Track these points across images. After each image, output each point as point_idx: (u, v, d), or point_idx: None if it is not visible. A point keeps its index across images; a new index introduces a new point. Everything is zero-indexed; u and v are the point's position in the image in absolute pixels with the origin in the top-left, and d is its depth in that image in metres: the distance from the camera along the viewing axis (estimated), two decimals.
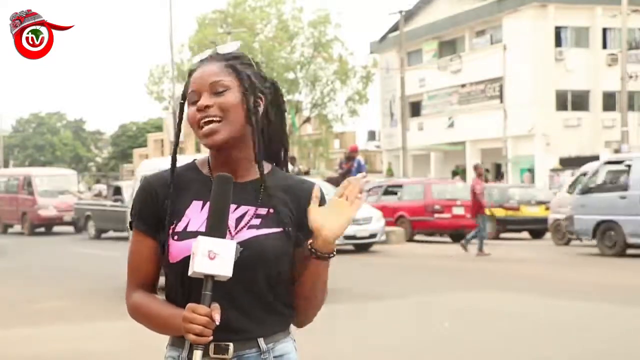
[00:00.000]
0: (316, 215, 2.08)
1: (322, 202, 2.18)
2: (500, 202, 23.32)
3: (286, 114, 2.36)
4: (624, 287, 12.04)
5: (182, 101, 2.21)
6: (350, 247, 18.45)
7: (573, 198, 18.31)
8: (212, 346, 2.04)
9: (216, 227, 2.00)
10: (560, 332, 8.55)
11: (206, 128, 2.12)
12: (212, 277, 1.98)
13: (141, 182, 2.25)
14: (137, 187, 2.28)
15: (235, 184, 2.10)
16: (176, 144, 2.25)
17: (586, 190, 17.47)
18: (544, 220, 21.87)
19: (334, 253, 2.14)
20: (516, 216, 23.28)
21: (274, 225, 2.15)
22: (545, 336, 8.28)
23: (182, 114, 2.21)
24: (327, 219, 2.08)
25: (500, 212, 23.09)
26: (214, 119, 2.12)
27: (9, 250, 20.75)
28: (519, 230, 23.92)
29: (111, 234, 24.77)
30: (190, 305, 1.99)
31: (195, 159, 2.27)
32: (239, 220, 2.13)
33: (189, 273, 2.00)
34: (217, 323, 1.98)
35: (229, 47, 2.24)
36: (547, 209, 22.15)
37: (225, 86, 2.14)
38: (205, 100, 2.13)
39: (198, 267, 1.96)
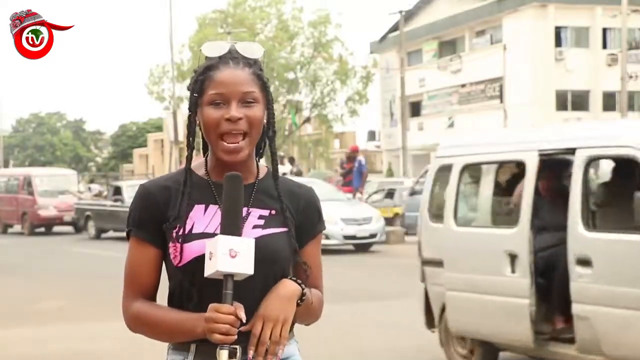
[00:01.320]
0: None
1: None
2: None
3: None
4: None
5: (195, 95, 2.14)
6: (350, 247, 18.44)
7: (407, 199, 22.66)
8: (219, 350, 2.00)
9: (232, 226, 1.99)
10: None
11: (232, 145, 2.09)
12: (232, 276, 1.96)
13: (139, 189, 2.21)
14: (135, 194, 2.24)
15: None
16: (192, 145, 2.18)
17: (413, 192, 21.26)
18: None
19: (303, 298, 2.12)
20: None
21: (277, 225, 2.16)
22: None
23: (196, 107, 2.14)
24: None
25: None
26: (242, 133, 2.09)
27: (9, 251, 20.74)
28: None
29: (111, 234, 24.75)
30: (212, 305, 1.97)
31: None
32: (242, 220, 2.11)
33: (207, 274, 1.98)
34: (244, 321, 1.97)
35: (252, 49, 2.17)
36: None
37: (255, 98, 2.11)
38: (236, 111, 2.08)
39: (221, 266, 1.94)
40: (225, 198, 2.02)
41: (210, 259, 1.97)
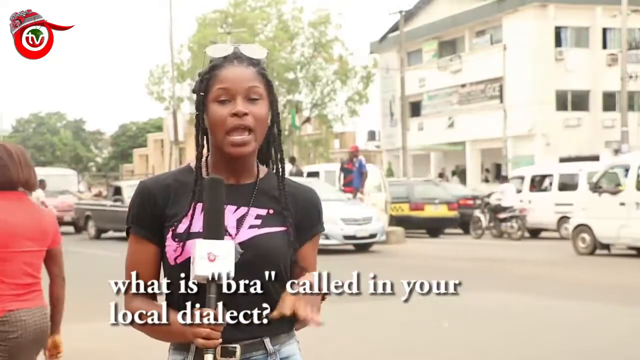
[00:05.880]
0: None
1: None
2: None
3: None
4: (623, 287, 12.04)
5: (202, 94, 2.15)
6: (350, 247, 18.45)
7: None
8: (218, 349, 2.02)
9: (213, 230, 1.99)
10: (560, 332, 8.55)
11: (239, 138, 2.10)
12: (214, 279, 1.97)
13: (138, 186, 2.22)
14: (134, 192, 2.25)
15: (236, 186, 2.13)
16: (201, 143, 2.19)
17: None
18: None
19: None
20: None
21: (275, 225, 2.16)
22: (545, 336, 8.28)
23: (202, 106, 2.16)
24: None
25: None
26: (248, 128, 2.10)
27: None
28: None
29: (111, 234, 24.77)
30: (195, 309, 1.97)
31: (190, 163, 2.26)
32: (239, 220, 2.13)
33: (191, 278, 1.99)
34: (224, 324, 1.97)
35: (255, 51, 2.19)
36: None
37: (260, 95, 2.13)
38: (242, 106, 2.10)
39: (199, 270, 1.95)
40: (206, 202, 2.02)
41: (193, 263, 1.98)
